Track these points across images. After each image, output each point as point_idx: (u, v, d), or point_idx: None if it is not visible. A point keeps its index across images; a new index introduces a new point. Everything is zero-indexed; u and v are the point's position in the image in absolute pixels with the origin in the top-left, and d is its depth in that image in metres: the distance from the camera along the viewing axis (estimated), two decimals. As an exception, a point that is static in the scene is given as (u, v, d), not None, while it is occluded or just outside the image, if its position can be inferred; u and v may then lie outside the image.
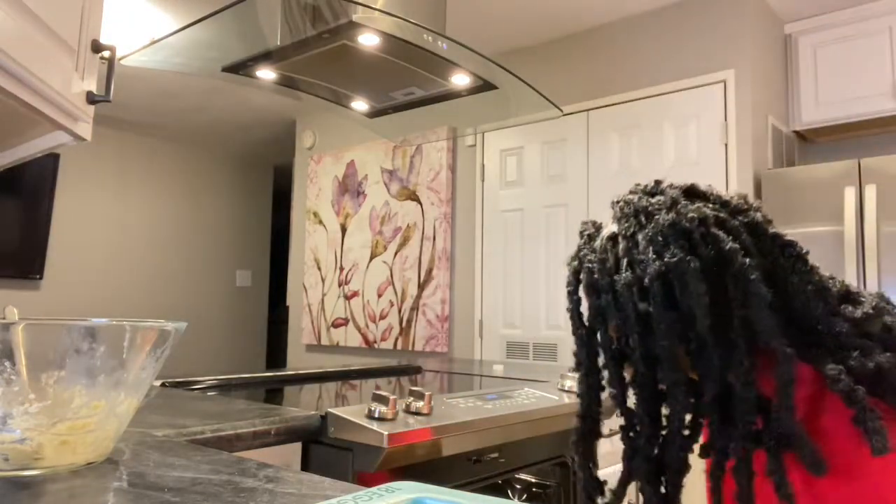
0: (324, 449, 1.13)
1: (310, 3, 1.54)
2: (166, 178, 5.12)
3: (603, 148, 2.99)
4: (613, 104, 2.97)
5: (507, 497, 1.49)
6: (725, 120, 2.65)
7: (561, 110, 1.97)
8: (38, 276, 4.35)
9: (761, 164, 2.66)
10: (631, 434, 0.76)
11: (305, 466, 1.13)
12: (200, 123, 4.72)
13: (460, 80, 1.80)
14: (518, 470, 1.41)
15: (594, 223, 0.81)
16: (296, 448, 1.12)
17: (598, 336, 0.77)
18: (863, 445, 0.61)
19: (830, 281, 0.72)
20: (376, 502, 0.49)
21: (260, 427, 1.04)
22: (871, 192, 2.32)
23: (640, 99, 2.89)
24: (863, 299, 0.70)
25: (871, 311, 0.68)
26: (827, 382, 0.64)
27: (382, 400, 1.12)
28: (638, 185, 0.79)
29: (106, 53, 1.00)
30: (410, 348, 3.65)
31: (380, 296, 3.84)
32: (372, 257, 3.92)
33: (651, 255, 0.70)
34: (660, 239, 0.70)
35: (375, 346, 3.83)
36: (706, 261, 0.68)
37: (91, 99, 0.98)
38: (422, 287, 3.61)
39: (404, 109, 2.02)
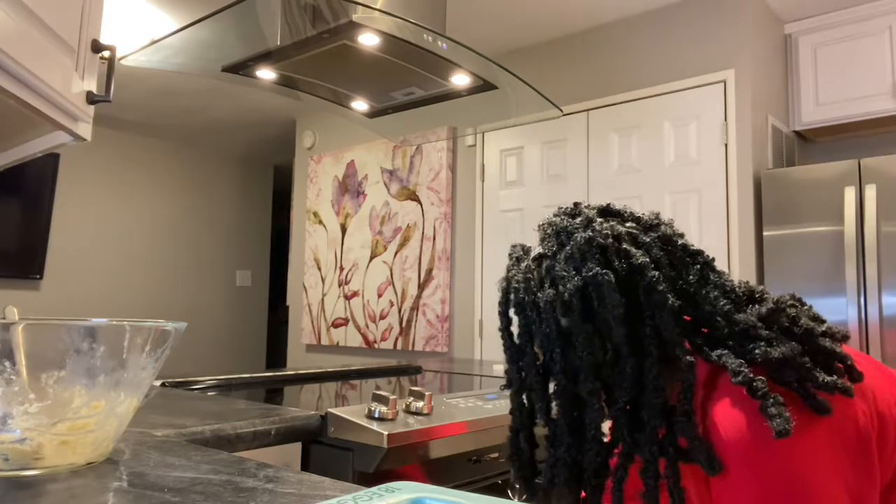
0: (324, 449, 1.13)
1: (310, 3, 1.54)
2: (166, 178, 5.12)
3: (603, 148, 2.99)
4: (613, 104, 2.97)
5: (507, 497, 1.49)
6: (725, 120, 2.65)
7: (561, 110, 1.98)
8: (38, 276, 4.35)
9: (761, 164, 2.66)
10: (554, 443, 0.79)
11: (305, 466, 1.13)
12: (200, 123, 4.72)
13: (460, 80, 1.80)
14: (518, 470, 1.41)
15: (523, 246, 0.85)
16: (296, 448, 1.12)
17: (526, 352, 0.81)
18: (766, 433, 0.64)
19: (738, 284, 0.77)
20: (376, 502, 0.49)
21: (260, 427, 1.04)
22: (871, 192, 2.32)
23: (640, 99, 2.89)
24: (767, 297, 0.75)
25: (773, 306, 0.73)
26: (731, 378, 0.68)
27: (382, 400, 1.12)
28: (560, 207, 0.85)
29: (106, 53, 1.00)
30: (410, 348, 3.65)
31: (380, 296, 3.84)
32: (372, 257, 3.92)
33: (571, 271, 0.76)
34: (577, 256, 0.76)
35: (375, 346, 3.83)
36: (620, 274, 0.74)
37: (91, 99, 0.98)
38: (422, 287, 3.61)
39: (404, 109, 2.02)
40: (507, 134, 3.32)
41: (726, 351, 0.70)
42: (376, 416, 1.11)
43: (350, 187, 4.12)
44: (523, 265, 0.82)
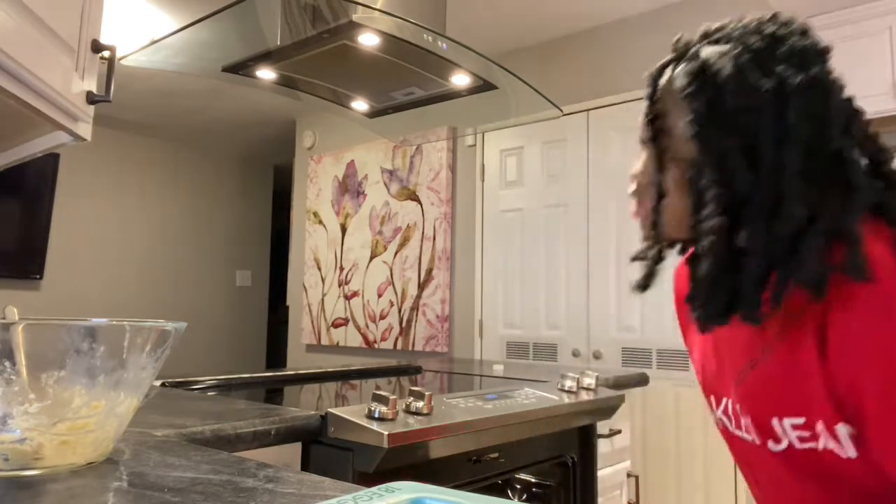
0: (324, 449, 1.13)
1: (310, 3, 1.54)
2: (166, 178, 5.12)
3: (603, 148, 2.99)
4: (613, 104, 2.97)
5: (507, 497, 1.49)
6: (725, 120, 2.65)
7: (561, 110, 1.98)
8: (38, 276, 4.35)
9: (761, 164, 2.66)
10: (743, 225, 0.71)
11: (305, 466, 1.13)
12: (200, 123, 4.72)
13: (460, 80, 1.80)
14: (518, 470, 1.41)
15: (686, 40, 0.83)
16: (296, 448, 1.12)
17: (736, 133, 0.73)
18: None
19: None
20: (376, 502, 0.49)
21: (260, 427, 1.04)
22: (871, 192, 2.32)
23: (640, 99, 2.88)
24: None
25: None
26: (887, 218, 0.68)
27: (382, 400, 1.12)
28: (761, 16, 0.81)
29: (106, 53, 1.00)
30: (410, 348, 3.65)
31: (380, 296, 3.84)
32: (372, 257, 3.92)
33: (793, 70, 0.73)
34: (798, 58, 0.75)
35: (375, 346, 3.84)
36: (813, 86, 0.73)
37: (91, 99, 0.98)
38: (422, 287, 3.61)
39: (404, 109, 2.02)
40: (507, 134, 3.32)
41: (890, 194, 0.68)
42: (376, 416, 1.11)
43: (350, 187, 4.11)
44: (722, 48, 0.79)
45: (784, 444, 0.73)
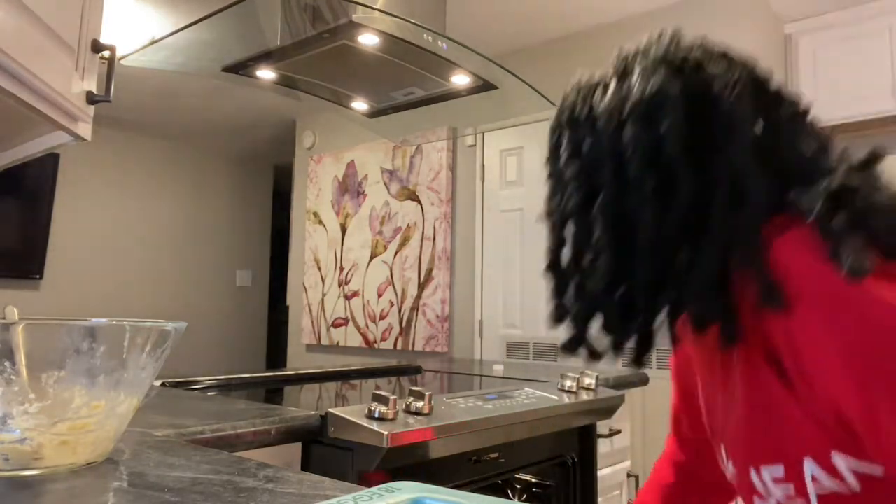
0: (324, 449, 1.13)
1: (310, 3, 1.54)
2: (166, 178, 5.12)
3: (603, 148, 2.99)
4: (613, 104, 2.97)
5: (507, 497, 1.49)
6: (725, 120, 2.65)
7: (561, 110, 1.97)
8: (38, 276, 4.35)
9: (761, 164, 2.66)
10: (592, 275, 0.71)
11: (305, 466, 1.13)
12: (200, 123, 4.72)
13: (460, 80, 1.80)
14: (518, 470, 1.41)
15: (587, 74, 0.79)
16: (296, 448, 1.12)
17: (569, 170, 0.73)
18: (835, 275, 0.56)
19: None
20: (376, 502, 0.49)
21: (260, 427, 1.04)
22: (871, 192, 2.32)
23: (640, 99, 2.89)
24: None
25: (871, 154, 0.66)
26: (798, 215, 0.61)
27: (382, 400, 1.12)
28: (649, 35, 0.78)
29: (106, 53, 1.00)
30: (410, 348, 3.65)
31: (380, 296, 3.84)
32: (372, 257, 3.92)
33: (638, 84, 0.69)
34: (647, 71, 0.69)
35: (375, 346, 3.84)
36: (695, 98, 0.67)
37: (91, 99, 0.98)
38: (422, 287, 3.61)
39: (404, 109, 2.02)
40: (507, 134, 3.32)
41: (807, 193, 0.62)
42: (376, 416, 1.11)
43: (350, 187, 4.11)
44: (583, 83, 0.76)
45: None
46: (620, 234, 0.69)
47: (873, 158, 0.64)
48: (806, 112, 0.70)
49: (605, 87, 0.72)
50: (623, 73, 0.72)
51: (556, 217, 0.75)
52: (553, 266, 0.76)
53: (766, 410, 0.64)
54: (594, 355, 0.74)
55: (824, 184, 0.61)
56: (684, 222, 0.66)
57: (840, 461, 0.60)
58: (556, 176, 0.75)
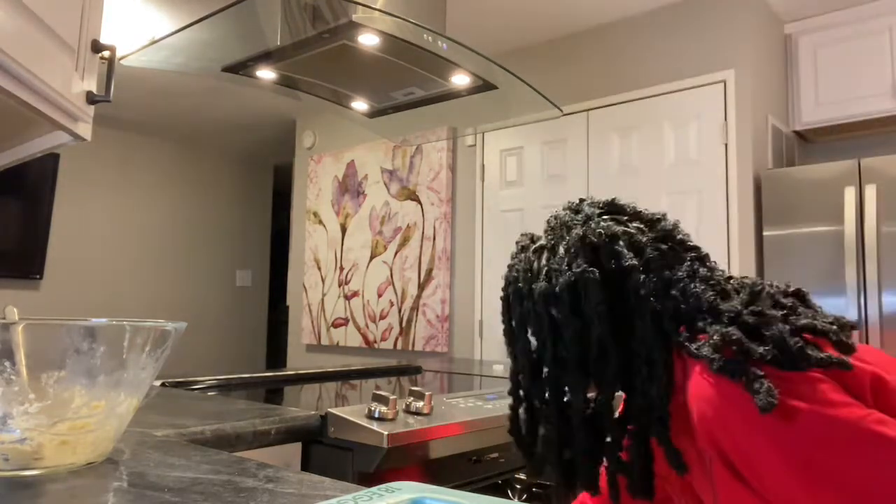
0: (324, 449, 1.13)
1: (310, 3, 1.54)
2: (166, 178, 5.12)
3: (603, 148, 2.99)
4: (613, 104, 2.97)
5: (507, 497, 1.49)
6: (725, 120, 2.65)
7: (561, 110, 1.97)
8: (38, 276, 4.35)
9: (761, 164, 2.66)
10: (545, 423, 0.83)
11: (305, 466, 1.13)
12: (200, 123, 4.72)
13: (460, 80, 1.80)
14: (518, 470, 1.41)
15: (532, 236, 0.89)
16: (296, 448, 1.12)
17: (519, 339, 0.84)
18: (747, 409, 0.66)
19: (733, 277, 0.80)
20: (376, 502, 0.49)
21: (260, 427, 1.04)
22: (871, 192, 2.32)
23: (640, 99, 2.89)
24: (756, 285, 0.76)
25: (749, 294, 0.74)
26: (709, 367, 0.70)
27: (382, 400, 1.12)
28: (569, 202, 0.89)
29: (106, 53, 1.00)
30: (410, 348, 3.65)
31: (380, 296, 3.84)
32: (372, 257, 3.92)
33: (564, 266, 0.79)
34: (572, 251, 0.79)
35: (375, 346, 3.84)
36: (610, 273, 0.77)
37: (91, 99, 0.98)
38: (422, 287, 3.61)
39: (404, 109, 2.02)
40: (507, 134, 3.32)
41: (705, 342, 0.71)
42: (376, 416, 1.11)
43: (350, 187, 4.11)
44: (525, 255, 0.85)
45: None
46: (562, 405, 0.80)
47: (756, 293, 0.74)
48: (706, 257, 0.81)
49: (539, 262, 0.83)
50: (552, 250, 0.82)
51: (513, 383, 0.86)
52: (513, 427, 0.87)
53: None
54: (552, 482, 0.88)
55: (720, 332, 0.70)
56: (612, 391, 0.78)
57: None
58: (510, 343, 0.86)
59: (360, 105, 2.01)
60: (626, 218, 0.82)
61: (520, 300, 0.83)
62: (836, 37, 2.81)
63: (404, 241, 3.74)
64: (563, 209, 0.87)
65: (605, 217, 0.82)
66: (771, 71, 2.81)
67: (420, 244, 3.64)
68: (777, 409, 0.64)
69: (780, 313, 0.71)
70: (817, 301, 0.77)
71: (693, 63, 2.76)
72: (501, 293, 0.87)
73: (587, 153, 3.04)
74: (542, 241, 0.85)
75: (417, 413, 1.17)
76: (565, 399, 0.80)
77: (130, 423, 0.94)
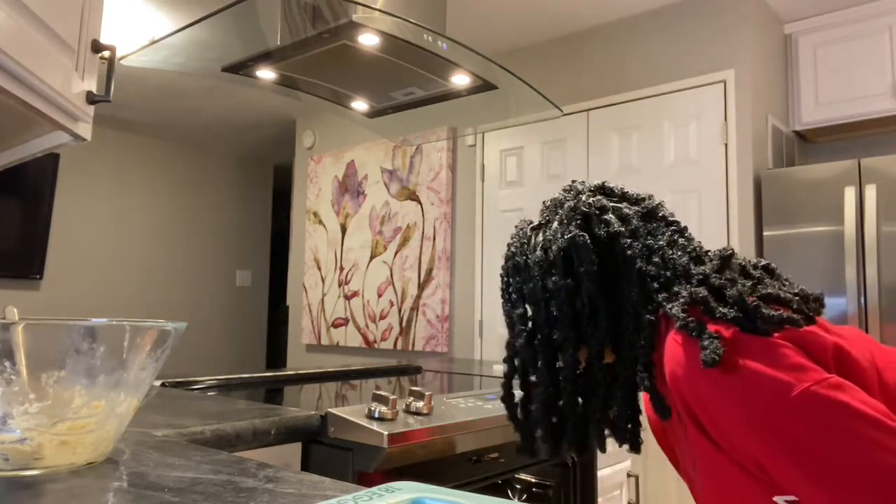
0: (324, 449, 1.13)
1: (310, 3, 1.54)
2: (166, 178, 5.12)
3: (603, 148, 2.99)
4: (613, 104, 2.97)
5: (507, 497, 1.49)
6: (725, 120, 2.65)
7: (561, 110, 1.97)
8: (38, 276, 4.35)
9: (761, 164, 2.66)
10: (537, 387, 0.88)
11: (305, 466, 1.13)
12: (200, 123, 4.72)
13: (460, 80, 1.80)
14: (518, 470, 1.41)
15: (528, 221, 0.94)
16: (296, 448, 1.12)
17: (517, 309, 0.89)
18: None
19: (709, 249, 0.86)
20: (376, 502, 0.49)
21: (260, 427, 1.04)
22: (871, 192, 2.32)
23: (640, 99, 2.89)
24: (728, 254, 0.83)
25: (720, 259, 0.81)
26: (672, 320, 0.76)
27: (382, 400, 1.12)
28: (565, 186, 0.95)
29: (106, 53, 1.00)
30: (410, 348, 3.65)
31: (380, 296, 3.84)
32: (372, 257, 3.92)
33: (558, 234, 0.86)
34: (564, 221, 0.86)
35: (375, 346, 3.83)
36: (601, 240, 0.83)
37: (91, 99, 0.98)
38: (422, 287, 3.61)
39: (404, 109, 2.02)
40: (507, 134, 3.32)
41: (676, 301, 0.77)
42: (376, 416, 1.11)
43: (350, 187, 4.11)
44: (521, 232, 0.92)
45: None
46: (553, 367, 0.85)
47: (726, 259, 0.80)
48: (684, 229, 0.88)
49: (535, 238, 0.89)
50: (547, 225, 0.90)
51: (509, 351, 0.91)
52: (506, 394, 0.93)
53: (713, 476, 0.75)
54: (541, 456, 0.92)
55: (689, 290, 0.76)
56: (602, 346, 0.83)
57: (782, 502, 0.70)
58: (508, 316, 0.91)
59: (360, 105, 2.01)
60: (615, 198, 0.90)
61: (517, 272, 0.89)
62: (836, 37, 2.81)
63: (404, 241, 3.74)
64: (560, 192, 0.94)
65: (594, 193, 0.90)
66: (771, 71, 2.81)
67: (420, 244, 3.64)
68: (734, 369, 0.68)
69: (748, 282, 0.77)
70: None
71: (693, 63, 2.76)
72: (501, 271, 0.93)
73: (587, 153, 3.04)
74: (538, 220, 0.92)
75: (417, 413, 1.17)
76: (557, 364, 0.84)
77: (130, 423, 0.94)
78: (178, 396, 1.31)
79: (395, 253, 3.78)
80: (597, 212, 0.85)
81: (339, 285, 4.10)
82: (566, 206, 0.88)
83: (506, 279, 0.92)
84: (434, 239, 3.57)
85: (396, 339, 3.71)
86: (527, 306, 0.88)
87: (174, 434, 0.93)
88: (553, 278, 0.84)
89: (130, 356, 0.68)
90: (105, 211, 4.76)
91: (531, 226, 0.92)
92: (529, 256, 0.88)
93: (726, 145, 2.64)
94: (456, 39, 1.59)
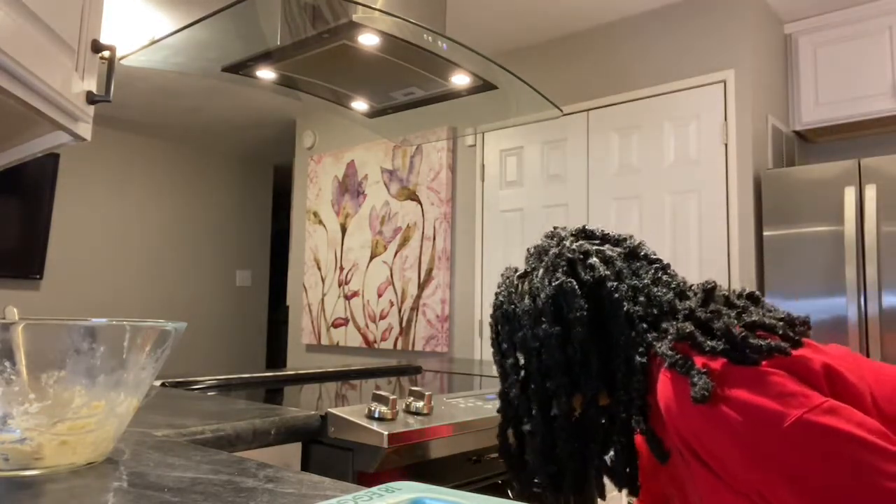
0: (324, 449, 1.13)
1: (310, 3, 1.54)
2: (166, 178, 5.12)
3: (603, 148, 2.99)
4: (613, 104, 2.97)
5: (507, 497, 1.49)
6: (725, 120, 2.65)
7: (561, 110, 1.97)
8: (38, 276, 4.35)
9: (761, 164, 2.66)
10: (532, 436, 0.88)
11: (305, 466, 1.13)
12: (200, 123, 4.72)
13: (460, 80, 1.80)
14: (518, 470, 1.41)
15: (514, 269, 0.95)
16: (296, 448, 1.12)
17: (508, 357, 0.89)
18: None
19: (693, 284, 0.87)
20: (376, 502, 0.49)
21: (260, 427, 1.04)
22: (871, 192, 2.32)
23: (640, 99, 2.89)
24: (710, 287, 0.83)
25: (704, 292, 0.81)
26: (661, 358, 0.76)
27: (382, 400, 1.12)
28: (547, 232, 0.96)
29: (106, 53, 1.00)
30: (410, 348, 3.65)
31: (380, 296, 3.84)
32: (372, 257, 3.92)
33: (545, 282, 0.86)
34: (550, 269, 0.87)
35: (375, 346, 3.83)
36: (587, 285, 0.84)
37: (91, 99, 0.98)
38: (422, 287, 3.61)
39: (404, 109, 2.02)
40: (507, 134, 3.32)
41: (665, 339, 0.77)
42: (376, 416, 1.11)
43: (350, 187, 4.11)
44: (509, 280, 0.93)
45: None
46: (548, 415, 0.85)
47: (709, 292, 0.81)
48: (667, 266, 0.89)
49: (522, 286, 0.90)
50: (533, 272, 0.90)
51: (503, 401, 0.91)
52: (502, 444, 0.93)
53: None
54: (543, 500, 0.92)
55: (676, 327, 0.77)
56: (596, 391, 0.83)
57: None
58: (500, 365, 0.91)
59: (360, 105, 2.01)
60: (596, 240, 0.91)
61: (507, 321, 0.90)
62: (836, 37, 2.81)
63: (404, 241, 3.74)
64: (543, 239, 0.94)
65: (576, 238, 0.91)
66: (771, 71, 2.81)
67: (420, 244, 3.64)
68: (727, 402, 0.69)
69: (732, 312, 0.77)
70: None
71: (693, 63, 2.76)
72: (490, 319, 0.94)
73: (587, 153, 3.04)
74: (524, 268, 0.93)
75: (417, 413, 1.17)
76: (552, 412, 0.84)
77: (130, 423, 0.94)
78: (178, 396, 1.31)
79: (395, 253, 3.78)
80: (581, 256, 0.86)
81: (339, 285, 4.10)
82: (551, 252, 0.89)
83: (496, 328, 0.92)
84: (434, 239, 3.57)
85: (396, 339, 3.71)
86: (518, 355, 0.88)
87: (174, 434, 0.93)
88: (543, 326, 0.84)
89: (130, 356, 0.68)
90: (105, 211, 4.76)
91: (518, 274, 0.92)
92: (518, 305, 0.88)
93: (726, 145, 2.64)
94: (456, 39, 1.59)
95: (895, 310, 2.26)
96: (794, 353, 0.71)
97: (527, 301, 0.87)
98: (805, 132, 2.94)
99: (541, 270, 0.88)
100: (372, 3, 1.56)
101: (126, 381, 0.69)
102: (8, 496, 0.58)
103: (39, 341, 0.64)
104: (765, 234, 2.55)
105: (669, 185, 2.77)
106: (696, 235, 2.68)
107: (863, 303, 2.31)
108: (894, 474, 0.62)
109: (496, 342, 0.92)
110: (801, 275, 2.45)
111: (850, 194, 2.36)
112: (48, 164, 4.33)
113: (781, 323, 0.75)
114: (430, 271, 3.57)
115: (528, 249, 0.95)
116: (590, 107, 3.04)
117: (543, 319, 0.84)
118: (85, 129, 1.01)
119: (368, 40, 1.59)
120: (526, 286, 0.89)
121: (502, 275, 0.95)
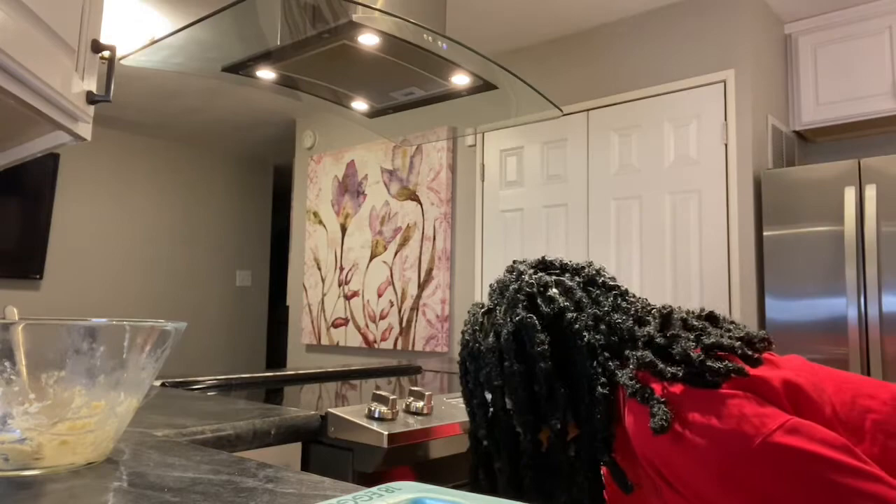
0: (324, 449, 1.13)
1: (310, 3, 1.54)
2: (166, 178, 5.12)
3: (603, 148, 2.99)
4: (613, 104, 2.97)
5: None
6: (725, 120, 2.65)
7: (561, 110, 1.98)
8: (38, 276, 4.35)
9: (761, 164, 2.66)
10: (500, 473, 0.88)
11: (305, 466, 1.13)
12: (200, 123, 4.72)
13: (460, 80, 1.80)
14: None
15: (480, 305, 0.95)
16: (296, 448, 1.12)
17: (475, 395, 0.89)
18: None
19: (653, 307, 0.87)
20: (376, 502, 0.49)
21: (260, 427, 1.04)
22: (871, 192, 2.32)
23: (640, 99, 2.89)
24: (668, 312, 0.84)
25: (661, 317, 0.82)
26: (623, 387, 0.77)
27: (382, 400, 1.12)
28: (507, 266, 0.96)
29: (106, 53, 1.00)
30: (410, 348, 3.65)
31: (380, 296, 3.84)
32: (372, 257, 3.92)
33: (506, 319, 0.86)
34: (511, 304, 0.86)
35: (375, 346, 3.84)
36: (547, 318, 0.83)
37: (91, 99, 0.98)
38: (422, 287, 3.61)
39: (404, 109, 2.02)
40: (507, 134, 3.32)
41: (627, 368, 0.78)
42: (376, 416, 1.11)
43: (350, 187, 4.11)
44: (474, 318, 0.93)
45: None
46: (514, 453, 0.86)
47: (667, 317, 0.82)
48: (625, 291, 0.89)
49: (486, 323, 0.89)
50: (496, 309, 0.90)
51: (472, 442, 0.92)
52: (473, 483, 0.93)
53: None
54: None
55: (635, 356, 0.77)
56: (563, 423, 0.82)
57: None
58: (468, 404, 0.91)
59: (360, 105, 2.01)
60: (555, 270, 0.91)
61: (473, 359, 0.89)
62: (836, 37, 2.81)
63: (404, 241, 3.74)
64: (505, 273, 0.94)
65: (535, 271, 0.91)
66: (771, 71, 2.81)
67: (420, 244, 3.64)
68: (690, 427, 0.69)
69: (691, 335, 0.78)
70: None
71: (693, 63, 2.76)
72: (458, 356, 0.94)
73: (587, 153, 3.04)
74: (488, 304, 0.93)
75: (417, 413, 1.17)
76: (520, 449, 0.84)
77: (130, 423, 0.94)
78: (178, 396, 1.31)
79: (395, 253, 3.78)
80: (540, 289, 0.86)
81: (339, 285, 4.10)
82: (511, 288, 0.88)
83: (463, 366, 0.92)
84: (434, 239, 3.57)
85: (396, 339, 3.71)
86: (486, 394, 0.88)
87: (174, 434, 0.93)
88: (506, 363, 0.84)
89: (130, 356, 0.68)
90: (105, 211, 4.76)
91: (482, 311, 0.92)
92: (482, 343, 0.88)
93: (726, 145, 2.64)
94: (456, 39, 1.59)
95: (895, 310, 2.26)
96: (754, 372, 0.72)
97: (490, 339, 0.86)
98: (805, 132, 2.94)
99: (503, 306, 0.88)
100: (372, 3, 1.56)
101: (126, 381, 0.69)
102: (8, 496, 0.58)
103: (39, 341, 0.64)
104: (765, 234, 2.55)
105: (669, 185, 2.77)
106: (696, 235, 2.68)
107: (863, 303, 2.31)
108: (859, 490, 0.63)
109: (463, 380, 0.92)
110: (800, 275, 2.45)
111: (850, 194, 2.36)
112: (48, 164, 4.33)
113: (739, 343, 0.76)
114: (430, 271, 3.57)
115: (490, 285, 0.95)
116: (590, 107, 3.04)
117: (506, 357, 0.84)
118: (85, 129, 1.01)
119: (368, 40, 1.59)
120: (489, 323, 0.89)
121: (469, 311, 0.95)
